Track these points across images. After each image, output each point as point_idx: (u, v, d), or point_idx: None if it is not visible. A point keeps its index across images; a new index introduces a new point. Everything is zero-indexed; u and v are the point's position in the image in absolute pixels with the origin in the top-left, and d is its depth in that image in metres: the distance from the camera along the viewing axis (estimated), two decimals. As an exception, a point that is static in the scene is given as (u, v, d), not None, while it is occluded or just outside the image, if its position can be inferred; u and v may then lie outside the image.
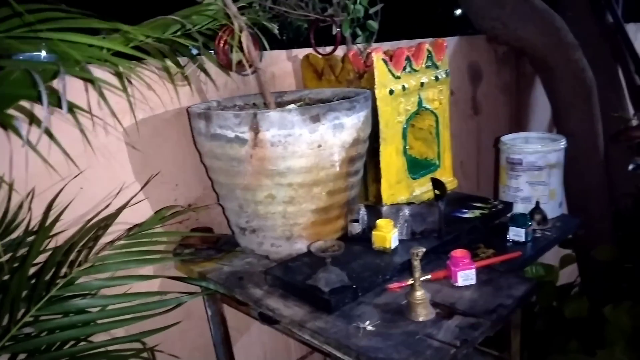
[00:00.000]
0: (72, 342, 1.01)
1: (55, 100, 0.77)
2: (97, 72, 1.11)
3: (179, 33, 1.00)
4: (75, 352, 0.99)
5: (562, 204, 1.43)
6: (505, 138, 1.46)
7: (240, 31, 1.02)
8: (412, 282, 0.90)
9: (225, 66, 1.13)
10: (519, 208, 1.37)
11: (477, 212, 1.33)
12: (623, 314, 1.91)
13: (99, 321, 1.01)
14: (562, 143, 1.36)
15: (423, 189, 1.44)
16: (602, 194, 2.27)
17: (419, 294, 0.89)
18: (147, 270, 1.24)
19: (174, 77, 1.15)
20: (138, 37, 0.80)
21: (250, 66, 1.13)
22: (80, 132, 0.98)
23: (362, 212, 1.20)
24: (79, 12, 0.69)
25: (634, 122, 2.21)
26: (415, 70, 1.34)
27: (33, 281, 0.97)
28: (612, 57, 2.60)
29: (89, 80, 0.89)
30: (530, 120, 2.54)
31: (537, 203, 1.32)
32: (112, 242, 1.04)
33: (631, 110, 2.53)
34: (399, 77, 1.30)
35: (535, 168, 1.35)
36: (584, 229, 2.16)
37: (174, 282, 1.19)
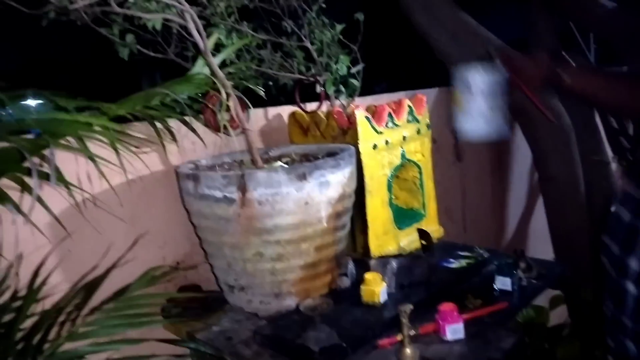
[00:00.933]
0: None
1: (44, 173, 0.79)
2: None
3: (167, 100, 1.03)
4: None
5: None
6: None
7: (227, 96, 1.06)
8: (402, 338, 0.91)
9: (213, 128, 1.16)
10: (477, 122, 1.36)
11: (463, 262, 1.35)
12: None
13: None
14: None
15: (410, 238, 1.46)
16: (585, 235, 2.30)
17: (409, 351, 0.89)
18: (136, 332, 1.23)
19: (162, 138, 1.18)
20: (120, 112, 0.84)
21: (237, 127, 1.16)
22: (70, 197, 0.99)
23: (350, 266, 1.21)
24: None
25: (614, 165, 2.27)
26: (397, 125, 1.39)
27: (20, 346, 0.96)
28: (588, 101, 2.69)
29: (80, 150, 0.92)
30: (512, 165, 2.60)
31: (522, 251, 1.34)
32: (99, 306, 1.04)
33: (609, 153, 2.60)
34: (381, 133, 1.34)
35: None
36: (569, 272, 2.18)
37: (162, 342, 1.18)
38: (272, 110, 1.55)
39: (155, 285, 1.26)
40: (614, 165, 2.31)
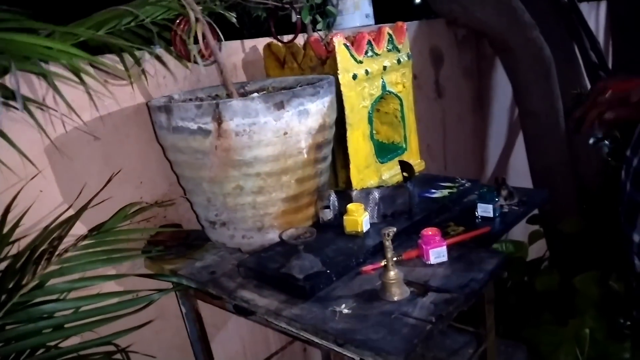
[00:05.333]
0: (42, 350, 0.98)
1: (9, 95, 0.74)
2: (50, 67, 1.07)
3: (132, 24, 0.97)
4: (45, 359, 0.96)
5: (370, 16, 1.68)
6: None
7: (197, 21, 1.00)
8: (385, 262, 0.91)
9: (184, 57, 1.11)
10: None
11: (445, 192, 1.34)
12: (591, 283, 1.97)
13: (68, 325, 0.98)
14: None
15: (392, 172, 1.45)
16: (565, 169, 2.32)
17: (392, 273, 0.89)
18: (117, 270, 1.21)
19: (131, 71, 1.12)
20: (85, 35, 0.78)
21: (209, 57, 1.10)
22: (37, 128, 0.95)
23: (333, 198, 1.20)
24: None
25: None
26: (377, 54, 1.34)
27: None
28: (568, 35, 2.67)
29: (42, 74, 0.86)
30: (492, 101, 2.58)
31: (503, 179, 1.33)
32: (75, 243, 1.01)
33: (588, 86, 2.59)
34: (361, 62, 1.30)
35: None
36: (549, 204, 2.23)
37: (145, 281, 1.17)
38: (247, 43, 1.49)
39: (134, 224, 1.24)
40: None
